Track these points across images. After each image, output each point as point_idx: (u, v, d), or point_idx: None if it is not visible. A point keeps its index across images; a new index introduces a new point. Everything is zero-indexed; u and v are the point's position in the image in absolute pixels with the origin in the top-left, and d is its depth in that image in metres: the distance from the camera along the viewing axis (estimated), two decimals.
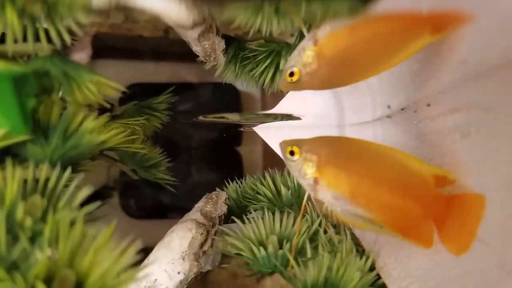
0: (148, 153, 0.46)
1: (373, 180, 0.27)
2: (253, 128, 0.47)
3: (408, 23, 0.26)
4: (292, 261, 0.29)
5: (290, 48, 0.40)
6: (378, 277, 0.29)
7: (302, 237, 0.32)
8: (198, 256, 0.32)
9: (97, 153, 0.39)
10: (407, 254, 0.29)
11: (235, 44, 0.40)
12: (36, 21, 0.25)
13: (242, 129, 0.59)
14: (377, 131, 0.44)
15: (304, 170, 0.27)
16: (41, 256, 0.20)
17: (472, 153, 0.28)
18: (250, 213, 0.35)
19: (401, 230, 0.26)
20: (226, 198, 0.38)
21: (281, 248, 0.31)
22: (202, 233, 0.33)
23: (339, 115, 0.45)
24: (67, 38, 0.26)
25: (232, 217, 0.35)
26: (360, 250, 0.33)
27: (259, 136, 0.45)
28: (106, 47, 0.57)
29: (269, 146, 0.42)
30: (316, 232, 0.33)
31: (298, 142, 0.28)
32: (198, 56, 0.36)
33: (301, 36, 0.34)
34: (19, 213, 0.21)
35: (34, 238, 0.21)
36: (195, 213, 0.36)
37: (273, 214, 0.33)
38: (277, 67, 0.41)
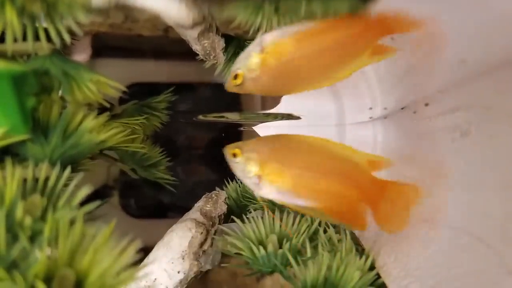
0: (148, 152, 0.46)
1: (312, 171, 0.29)
2: (253, 127, 0.47)
3: (355, 34, 0.27)
4: (291, 259, 0.30)
5: None
6: (378, 276, 0.30)
7: (302, 236, 0.32)
8: (198, 255, 0.32)
9: (97, 152, 0.39)
10: (407, 254, 0.29)
11: (235, 43, 0.40)
12: (36, 20, 0.25)
13: (242, 128, 0.59)
14: (377, 131, 0.44)
15: (248, 169, 0.29)
16: (40, 255, 0.20)
17: (472, 152, 0.28)
18: (250, 212, 0.35)
19: (339, 215, 0.29)
20: (226, 198, 0.38)
21: (280, 247, 0.31)
22: (202, 233, 0.33)
23: (339, 115, 0.45)
24: (66, 37, 0.26)
25: (232, 216, 0.35)
26: (360, 250, 0.33)
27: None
28: (106, 47, 0.56)
29: None
30: (316, 232, 0.33)
31: (239, 145, 0.30)
32: (198, 55, 0.36)
33: None
34: (19, 212, 0.21)
35: (33, 237, 0.21)
36: (195, 213, 0.36)
37: (273, 213, 0.33)
38: None
